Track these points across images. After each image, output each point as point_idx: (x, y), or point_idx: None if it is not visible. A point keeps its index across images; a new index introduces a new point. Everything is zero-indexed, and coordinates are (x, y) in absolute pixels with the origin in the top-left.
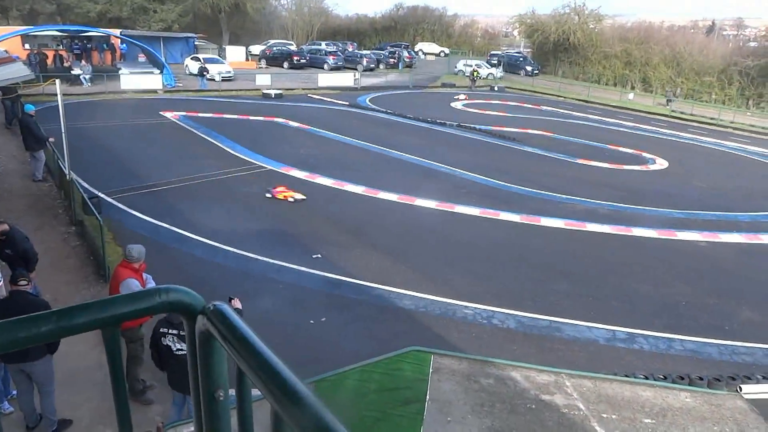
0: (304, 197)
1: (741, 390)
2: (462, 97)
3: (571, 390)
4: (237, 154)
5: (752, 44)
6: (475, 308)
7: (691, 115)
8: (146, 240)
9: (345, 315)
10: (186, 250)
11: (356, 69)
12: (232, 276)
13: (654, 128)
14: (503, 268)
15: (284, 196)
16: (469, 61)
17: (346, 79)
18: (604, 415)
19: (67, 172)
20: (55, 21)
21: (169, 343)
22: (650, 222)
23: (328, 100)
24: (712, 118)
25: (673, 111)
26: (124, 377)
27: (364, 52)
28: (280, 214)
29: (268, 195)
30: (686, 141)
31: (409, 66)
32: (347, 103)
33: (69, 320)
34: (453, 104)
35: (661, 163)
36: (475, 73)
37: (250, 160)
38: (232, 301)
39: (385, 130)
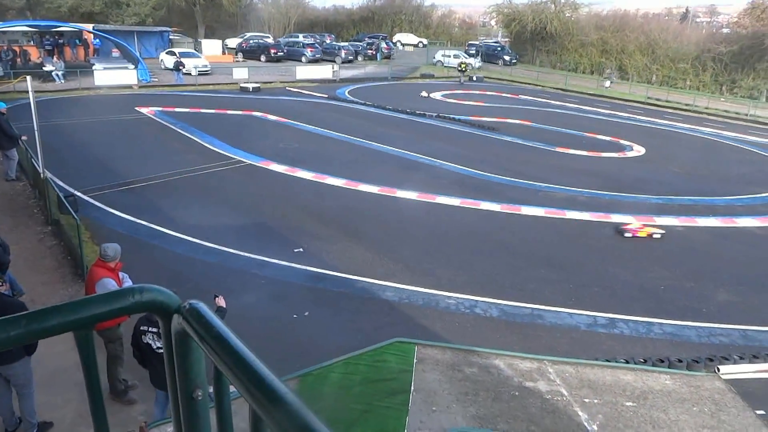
0: (662, 231)
1: (719, 371)
2: (424, 94)
3: (553, 376)
4: (215, 149)
5: (725, 30)
6: (458, 298)
7: (667, 101)
8: (125, 238)
9: (328, 308)
10: (166, 247)
11: (334, 61)
12: (214, 272)
13: (630, 115)
14: (485, 257)
15: (647, 234)
16: (447, 52)
17: (324, 71)
18: (587, 400)
19: (41, 170)
20: (25, 16)
21: (150, 341)
22: (628, 208)
23: (307, 92)
24: (687, 105)
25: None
26: (98, 381)
27: (342, 43)
28: (263, 210)
29: (627, 234)
30: (662, 127)
31: (388, 57)
32: (326, 96)
33: (40, 323)
34: (432, 95)
35: (638, 150)
36: (463, 66)
37: (228, 154)
38: (217, 298)
39: (364, 122)
